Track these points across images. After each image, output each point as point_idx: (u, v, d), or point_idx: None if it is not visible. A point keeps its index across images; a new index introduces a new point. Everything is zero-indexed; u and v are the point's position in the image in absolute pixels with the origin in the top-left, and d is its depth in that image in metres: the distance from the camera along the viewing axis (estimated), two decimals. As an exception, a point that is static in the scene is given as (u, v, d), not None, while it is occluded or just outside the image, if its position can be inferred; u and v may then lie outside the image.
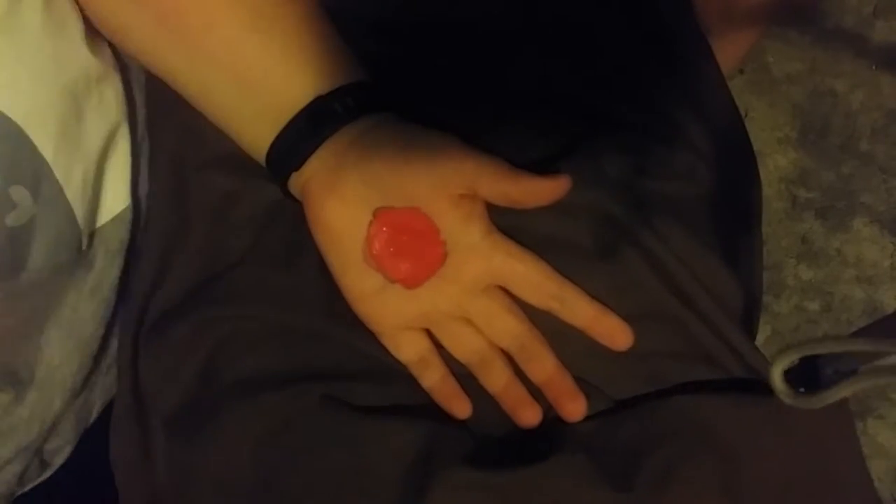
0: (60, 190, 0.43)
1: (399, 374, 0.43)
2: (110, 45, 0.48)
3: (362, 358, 0.43)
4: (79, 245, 0.45)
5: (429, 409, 0.43)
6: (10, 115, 0.40)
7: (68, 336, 0.46)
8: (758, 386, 0.43)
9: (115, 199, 0.48)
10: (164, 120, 0.49)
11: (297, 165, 0.42)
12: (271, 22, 0.42)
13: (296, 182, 0.43)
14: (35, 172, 0.41)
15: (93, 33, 0.46)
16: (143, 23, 0.42)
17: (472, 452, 0.41)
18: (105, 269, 0.48)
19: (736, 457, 0.40)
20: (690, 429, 0.41)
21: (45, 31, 0.42)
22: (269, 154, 0.43)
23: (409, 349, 0.43)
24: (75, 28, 0.44)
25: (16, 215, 0.40)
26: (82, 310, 0.46)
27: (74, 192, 0.44)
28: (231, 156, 0.46)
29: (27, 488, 0.50)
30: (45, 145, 0.42)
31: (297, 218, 0.44)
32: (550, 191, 0.40)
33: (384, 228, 0.41)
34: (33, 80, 0.41)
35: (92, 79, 0.45)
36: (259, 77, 0.42)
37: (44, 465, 0.50)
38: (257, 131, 0.43)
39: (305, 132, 0.42)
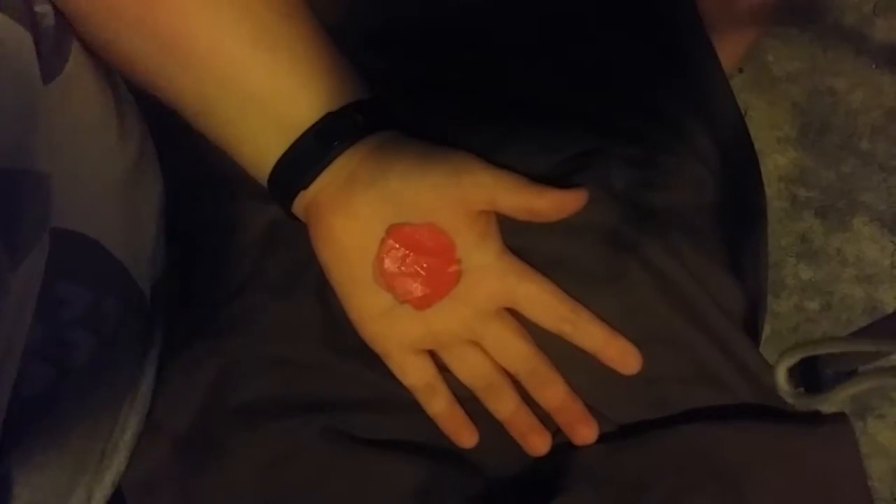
0: (135, 284, 0.43)
1: (400, 404, 0.43)
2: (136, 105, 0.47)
3: (363, 387, 0.43)
4: (150, 325, 0.46)
5: (430, 444, 0.43)
6: (87, 233, 0.39)
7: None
8: (763, 410, 0.43)
9: (162, 259, 0.48)
10: (169, 150, 0.48)
11: (306, 184, 0.41)
12: (277, 40, 0.41)
13: (300, 201, 0.42)
14: (119, 280, 0.42)
15: (121, 112, 0.45)
16: (149, 49, 0.42)
17: (472, 491, 0.41)
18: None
19: (740, 488, 0.40)
20: (694, 459, 0.41)
21: (85, 147, 0.41)
22: (273, 173, 0.42)
23: (415, 375, 0.42)
24: (112, 125, 0.43)
25: (112, 326, 0.40)
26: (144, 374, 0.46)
27: (144, 282, 0.44)
28: (229, 178, 0.45)
29: None
30: (119, 250, 0.41)
31: (295, 242, 0.43)
32: (572, 202, 0.40)
33: (397, 245, 0.40)
34: (95, 192, 0.41)
35: (134, 163, 0.45)
36: (266, 95, 0.41)
37: None
38: (262, 149, 0.42)
39: (315, 149, 0.41)
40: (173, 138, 0.47)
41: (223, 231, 0.46)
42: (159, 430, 0.45)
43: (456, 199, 0.40)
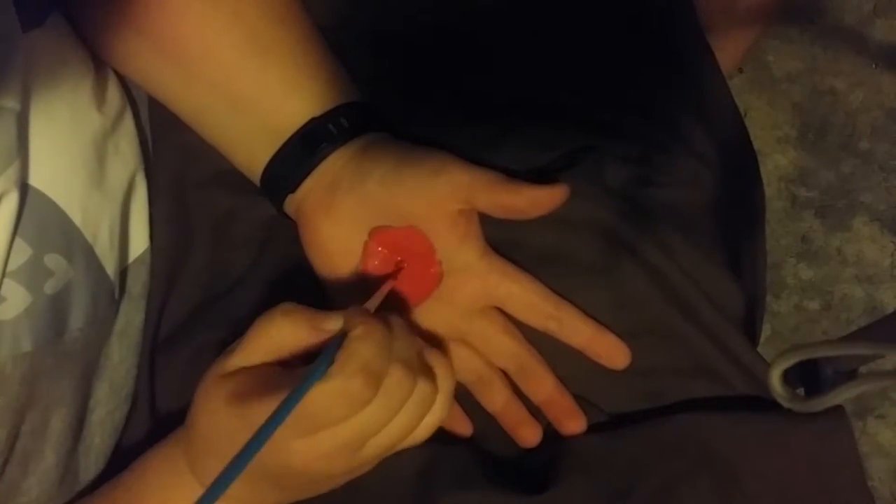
0: (91, 249, 0.43)
1: None
2: (121, 84, 0.47)
3: None
4: (112, 296, 0.45)
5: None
6: (35, 185, 0.39)
7: (110, 386, 0.46)
8: (759, 402, 0.43)
9: (137, 242, 0.47)
10: (165, 139, 0.49)
11: (293, 187, 0.42)
12: (267, 45, 0.42)
13: (290, 203, 0.43)
14: (66, 237, 0.41)
15: (101, 82, 0.45)
16: (141, 50, 0.42)
17: (470, 473, 0.41)
18: (129, 310, 0.47)
19: (735, 477, 0.40)
20: (690, 448, 0.41)
21: (61, 96, 0.41)
22: (263, 175, 0.43)
23: None
24: (87, 85, 0.43)
25: (54, 282, 0.40)
26: (113, 355, 0.46)
27: (103, 248, 0.44)
28: (230, 172, 0.45)
29: None
30: (73, 209, 0.41)
31: (294, 235, 0.43)
32: (549, 199, 0.40)
33: (379, 248, 0.40)
34: (54, 146, 0.41)
35: (108, 130, 0.45)
36: (255, 100, 0.42)
37: None
38: (252, 153, 0.43)
39: (300, 154, 0.41)
40: (172, 132, 0.47)
41: (223, 222, 0.46)
42: (166, 423, 0.45)
43: (432, 201, 0.40)
